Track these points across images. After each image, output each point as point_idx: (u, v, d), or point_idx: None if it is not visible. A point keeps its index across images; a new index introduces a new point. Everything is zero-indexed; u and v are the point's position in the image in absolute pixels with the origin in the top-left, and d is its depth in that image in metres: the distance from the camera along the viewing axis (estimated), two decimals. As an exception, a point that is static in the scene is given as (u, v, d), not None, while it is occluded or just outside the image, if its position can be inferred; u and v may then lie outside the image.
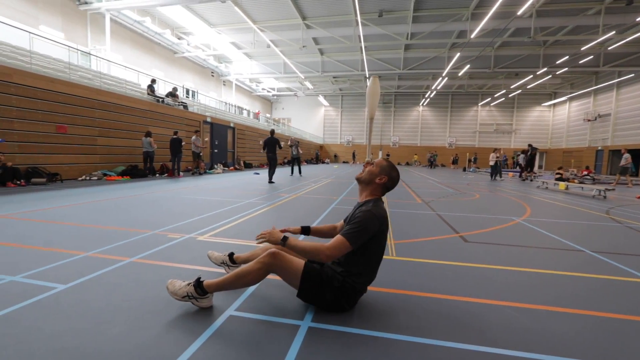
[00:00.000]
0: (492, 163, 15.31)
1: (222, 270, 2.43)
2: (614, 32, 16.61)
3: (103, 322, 1.68)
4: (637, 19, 15.05)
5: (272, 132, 10.37)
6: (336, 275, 1.87)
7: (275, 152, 10.15)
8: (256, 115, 32.44)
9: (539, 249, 3.45)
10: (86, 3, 14.90)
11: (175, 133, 11.54)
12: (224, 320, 1.74)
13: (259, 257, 1.80)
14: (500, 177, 16.07)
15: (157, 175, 11.59)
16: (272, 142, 10.06)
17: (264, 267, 1.78)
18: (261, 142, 10.35)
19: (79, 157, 9.47)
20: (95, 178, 9.33)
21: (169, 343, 1.52)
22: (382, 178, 1.97)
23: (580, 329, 1.79)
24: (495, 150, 15.82)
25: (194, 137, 12.79)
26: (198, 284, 1.83)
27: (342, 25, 18.99)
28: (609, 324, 1.86)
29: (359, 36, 17.77)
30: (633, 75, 23.22)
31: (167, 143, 11.54)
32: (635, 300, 2.20)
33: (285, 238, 1.84)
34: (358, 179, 2.06)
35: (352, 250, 1.82)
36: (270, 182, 9.91)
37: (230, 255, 2.39)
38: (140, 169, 10.88)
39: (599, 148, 26.97)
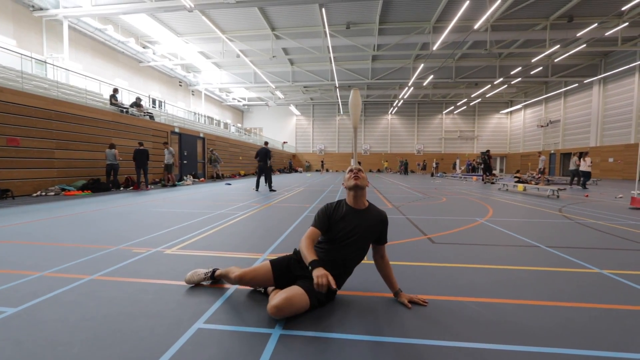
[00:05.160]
0: (586, 168, 12.37)
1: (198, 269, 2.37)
2: (558, 45, 18.22)
3: (59, 343, 1.58)
4: (578, 35, 16.63)
5: (266, 143, 11.19)
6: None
7: (266, 161, 10.58)
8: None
9: (500, 246, 3.66)
10: (41, 9, 14.11)
11: (141, 144, 11.10)
12: (192, 334, 1.69)
13: (268, 311, 1.81)
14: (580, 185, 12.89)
15: (122, 188, 11.04)
16: (264, 153, 10.46)
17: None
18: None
19: (33, 171, 8.83)
20: (52, 193, 8.73)
21: (133, 360, 1.45)
22: (368, 182, 2.26)
23: (537, 318, 1.92)
24: (584, 154, 12.61)
25: (165, 150, 12.34)
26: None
27: (311, 36, 19.32)
28: (562, 311, 2.01)
29: (328, 47, 18.16)
30: (577, 85, 25.51)
31: (132, 155, 11.06)
32: (583, 289, 2.39)
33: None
34: (361, 186, 2.14)
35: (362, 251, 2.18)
36: (271, 190, 10.57)
37: (213, 272, 2.39)
38: (103, 183, 10.31)
39: (552, 152, 29.15)
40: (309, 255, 1.90)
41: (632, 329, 1.80)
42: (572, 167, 13.39)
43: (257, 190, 10.53)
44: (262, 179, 10.87)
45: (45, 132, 9.22)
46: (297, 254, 2.18)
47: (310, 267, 1.83)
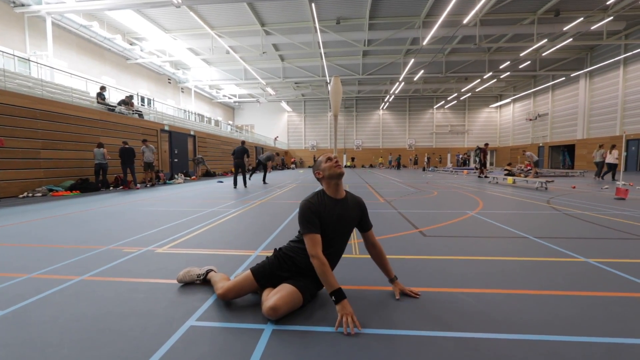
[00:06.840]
0: (613, 161, 12.49)
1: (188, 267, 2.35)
2: (546, 39, 18.46)
3: (49, 345, 1.55)
4: (564, 29, 16.87)
5: (243, 142, 11.53)
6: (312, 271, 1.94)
7: (243, 159, 10.91)
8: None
9: (490, 238, 3.72)
10: (22, 5, 13.72)
11: (125, 143, 10.83)
12: (184, 331, 1.68)
13: (264, 313, 1.78)
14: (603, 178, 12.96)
15: (112, 188, 10.87)
16: (241, 151, 10.85)
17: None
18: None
19: (19, 172, 8.64)
20: (40, 194, 8.55)
21: (125, 360, 1.44)
22: None
23: (526, 307, 1.95)
24: (612, 146, 12.77)
25: (143, 147, 11.91)
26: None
27: (301, 32, 19.21)
28: (551, 300, 2.05)
29: (318, 43, 18.10)
30: (564, 78, 25.92)
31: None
32: (570, 277, 2.45)
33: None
34: (342, 174, 2.05)
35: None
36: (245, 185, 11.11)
37: (206, 274, 2.31)
38: (92, 183, 10.13)
39: (540, 145, 29.62)
40: (330, 282, 1.80)
41: (617, 315, 1.85)
42: (597, 159, 13.30)
43: (234, 187, 10.74)
44: (243, 175, 11.23)
45: (31, 132, 9.02)
46: (277, 256, 2.08)
47: (333, 298, 1.76)
